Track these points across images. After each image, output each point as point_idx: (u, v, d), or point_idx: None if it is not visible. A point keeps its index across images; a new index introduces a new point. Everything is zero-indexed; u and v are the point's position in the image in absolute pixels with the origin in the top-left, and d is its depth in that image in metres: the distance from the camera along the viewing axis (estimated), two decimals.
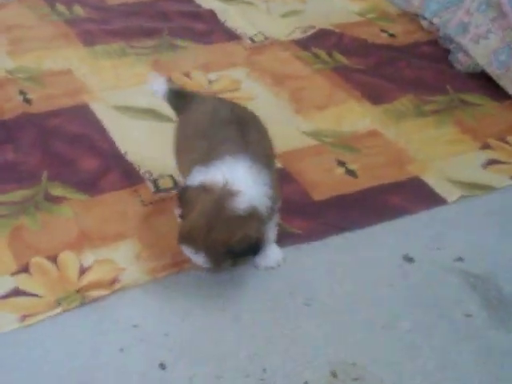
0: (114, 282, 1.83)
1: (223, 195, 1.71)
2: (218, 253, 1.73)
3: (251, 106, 2.24)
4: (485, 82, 2.70)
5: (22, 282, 1.83)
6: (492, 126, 2.50)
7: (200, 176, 1.77)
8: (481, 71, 2.73)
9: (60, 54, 2.76)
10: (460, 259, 1.96)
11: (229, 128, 1.85)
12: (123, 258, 1.90)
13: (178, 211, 1.88)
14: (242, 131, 1.84)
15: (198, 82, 2.64)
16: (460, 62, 2.79)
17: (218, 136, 1.84)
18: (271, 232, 1.90)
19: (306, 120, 2.46)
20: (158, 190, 2.13)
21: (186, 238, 1.74)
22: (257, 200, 1.74)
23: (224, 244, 1.71)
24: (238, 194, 1.71)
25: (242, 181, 1.73)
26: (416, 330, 1.76)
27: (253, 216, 1.73)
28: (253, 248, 1.75)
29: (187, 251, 1.76)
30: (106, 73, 2.67)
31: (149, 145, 2.30)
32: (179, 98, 2.09)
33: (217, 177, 1.73)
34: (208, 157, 1.79)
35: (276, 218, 1.89)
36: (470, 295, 1.86)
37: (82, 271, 1.85)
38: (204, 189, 1.74)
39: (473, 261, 1.96)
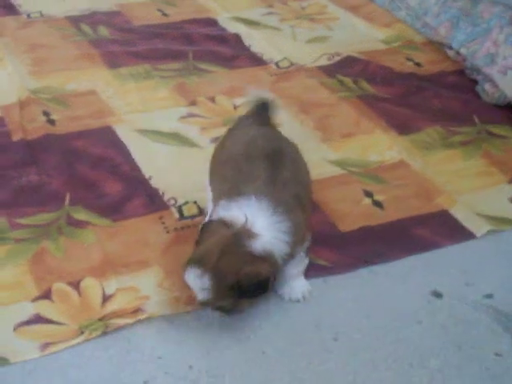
0: (137, 311, 1.79)
1: (241, 233, 1.69)
2: (224, 282, 1.67)
3: None
4: None
5: (44, 308, 1.79)
6: None
7: (224, 211, 1.75)
8: (508, 103, 2.69)
9: (84, 75, 2.75)
10: (490, 296, 1.92)
11: (262, 163, 1.82)
12: (147, 286, 1.87)
13: None
14: (274, 168, 1.81)
15: (223, 106, 2.62)
16: (487, 92, 2.76)
17: (250, 171, 1.81)
18: (293, 268, 1.86)
19: (331, 149, 2.43)
20: (182, 216, 2.09)
21: (197, 259, 1.69)
22: (273, 246, 1.71)
23: (233, 274, 1.67)
24: (255, 236, 1.69)
25: (261, 225, 1.70)
26: (446, 369, 1.72)
27: (266, 259, 1.70)
28: (261, 286, 1.69)
29: (191, 275, 1.69)
30: (131, 95, 2.64)
31: (174, 170, 2.27)
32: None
33: (239, 215, 1.71)
34: (236, 191, 1.77)
35: (303, 255, 1.86)
36: (501, 334, 1.81)
37: (105, 299, 1.82)
38: (224, 223, 1.71)
39: (503, 298, 1.91)
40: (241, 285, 1.67)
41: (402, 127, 2.56)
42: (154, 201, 2.14)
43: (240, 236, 1.68)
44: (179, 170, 2.27)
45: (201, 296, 1.70)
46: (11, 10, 3.20)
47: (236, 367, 1.69)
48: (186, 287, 1.82)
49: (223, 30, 3.16)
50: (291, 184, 1.83)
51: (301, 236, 1.80)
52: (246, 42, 3.05)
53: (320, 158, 2.37)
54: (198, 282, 1.68)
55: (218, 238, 1.70)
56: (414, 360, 1.73)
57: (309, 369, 1.70)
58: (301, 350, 1.74)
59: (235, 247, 1.68)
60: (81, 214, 2.08)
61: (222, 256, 1.67)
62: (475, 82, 2.85)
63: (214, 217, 1.77)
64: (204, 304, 1.73)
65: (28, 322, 1.76)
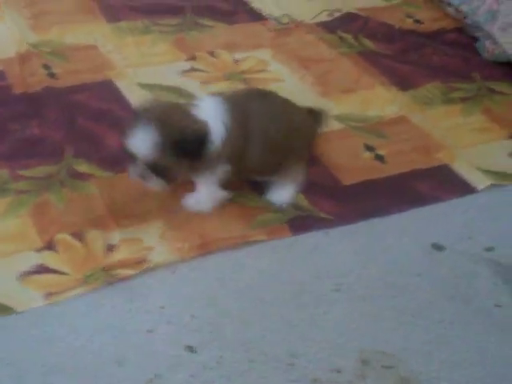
0: (141, 261, 1.80)
1: (186, 105, 1.88)
2: (169, 137, 1.77)
3: (278, 87, 2.22)
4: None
5: (48, 258, 1.80)
6: None
7: None
8: (508, 60, 2.69)
9: (83, 29, 2.74)
10: (490, 249, 1.93)
11: None
12: (150, 237, 1.87)
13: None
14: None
15: (223, 61, 2.61)
16: (487, 49, 2.75)
17: None
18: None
19: (331, 104, 2.42)
20: None
21: (143, 113, 1.82)
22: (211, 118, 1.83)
23: (178, 129, 1.78)
24: (198, 108, 1.85)
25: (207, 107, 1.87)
26: (446, 320, 1.73)
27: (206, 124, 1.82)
28: (201, 143, 1.81)
29: (138, 130, 1.78)
30: (129, 49, 2.64)
31: None
32: None
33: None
34: None
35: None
36: (501, 286, 1.83)
37: (109, 249, 1.83)
38: None
39: (504, 251, 1.92)
40: (185, 139, 1.76)
41: (402, 83, 2.55)
42: None
43: (185, 106, 1.86)
44: None
45: (145, 153, 1.77)
46: None
47: (236, 316, 1.70)
48: (189, 238, 1.84)
49: None
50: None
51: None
52: None
53: None
54: (143, 137, 1.76)
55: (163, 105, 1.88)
56: (415, 311, 1.75)
57: (310, 319, 1.71)
58: (302, 301, 1.75)
59: (180, 110, 1.83)
60: (83, 167, 2.08)
61: (168, 111, 1.81)
62: (475, 39, 2.84)
63: None
64: (147, 164, 1.79)
65: (32, 272, 1.76)
